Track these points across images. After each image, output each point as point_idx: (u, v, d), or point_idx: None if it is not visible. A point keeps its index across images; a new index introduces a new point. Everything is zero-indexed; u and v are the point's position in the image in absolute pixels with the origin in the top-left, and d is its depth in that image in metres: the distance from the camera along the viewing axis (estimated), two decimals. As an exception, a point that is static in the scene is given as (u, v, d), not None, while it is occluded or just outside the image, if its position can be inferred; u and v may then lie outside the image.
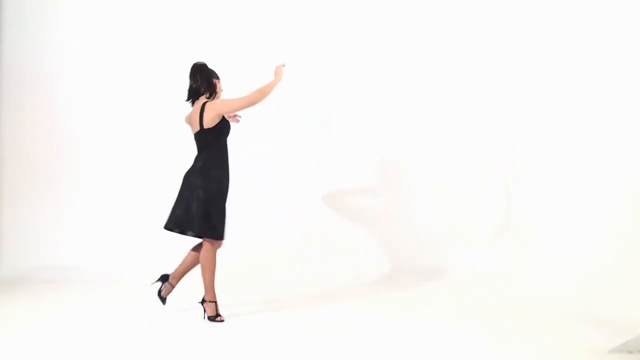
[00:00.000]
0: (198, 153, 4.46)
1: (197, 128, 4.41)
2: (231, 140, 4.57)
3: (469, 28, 6.05)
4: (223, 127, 4.44)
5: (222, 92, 4.54)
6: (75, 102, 6.27)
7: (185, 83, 6.14)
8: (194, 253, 4.52)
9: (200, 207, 4.30)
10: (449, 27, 6.11)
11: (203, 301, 4.40)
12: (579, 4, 4.98)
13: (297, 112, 6.13)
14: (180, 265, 4.54)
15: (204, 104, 4.40)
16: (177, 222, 4.39)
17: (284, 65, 4.50)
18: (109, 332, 4.06)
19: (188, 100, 4.50)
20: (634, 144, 4.39)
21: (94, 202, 6.22)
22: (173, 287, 4.54)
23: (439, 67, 6.13)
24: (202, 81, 4.44)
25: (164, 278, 4.54)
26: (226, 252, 4.54)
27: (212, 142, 4.41)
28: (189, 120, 4.56)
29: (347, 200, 6.25)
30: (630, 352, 3.54)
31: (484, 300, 5.04)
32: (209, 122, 4.37)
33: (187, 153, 6.17)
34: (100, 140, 6.26)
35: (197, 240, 4.50)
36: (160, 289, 4.53)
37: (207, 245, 4.38)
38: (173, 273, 4.54)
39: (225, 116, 4.49)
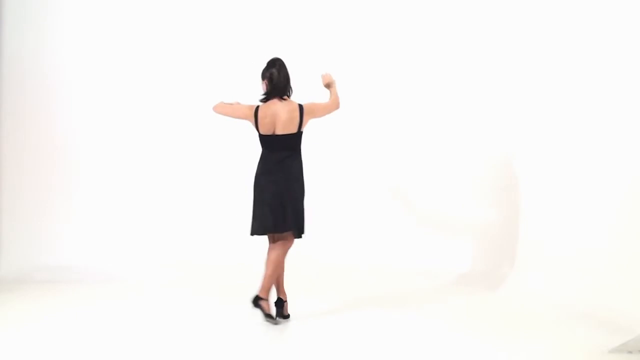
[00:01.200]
0: (288, 155, 4.32)
1: (294, 130, 4.29)
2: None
3: (470, 29, 6.03)
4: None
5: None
6: (75, 102, 6.26)
7: (184, 83, 6.22)
8: (269, 258, 4.36)
9: (295, 207, 4.28)
10: (449, 29, 6.09)
11: (259, 299, 4.19)
12: (579, 5, 4.98)
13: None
14: (275, 285, 4.40)
15: (301, 106, 4.32)
16: (269, 225, 4.29)
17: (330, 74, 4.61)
18: (109, 332, 4.06)
19: (270, 96, 4.33)
20: (634, 144, 4.39)
21: (94, 202, 6.21)
22: (285, 300, 4.41)
23: (440, 69, 6.11)
24: (286, 80, 4.35)
25: (279, 304, 4.37)
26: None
27: (299, 144, 4.38)
28: (261, 117, 4.30)
29: (347, 200, 6.25)
30: (630, 352, 3.54)
31: (484, 300, 5.04)
32: (305, 125, 4.35)
33: (187, 153, 6.24)
34: (100, 140, 6.25)
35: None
36: (282, 313, 4.36)
37: (289, 243, 4.35)
38: (278, 289, 4.41)
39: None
